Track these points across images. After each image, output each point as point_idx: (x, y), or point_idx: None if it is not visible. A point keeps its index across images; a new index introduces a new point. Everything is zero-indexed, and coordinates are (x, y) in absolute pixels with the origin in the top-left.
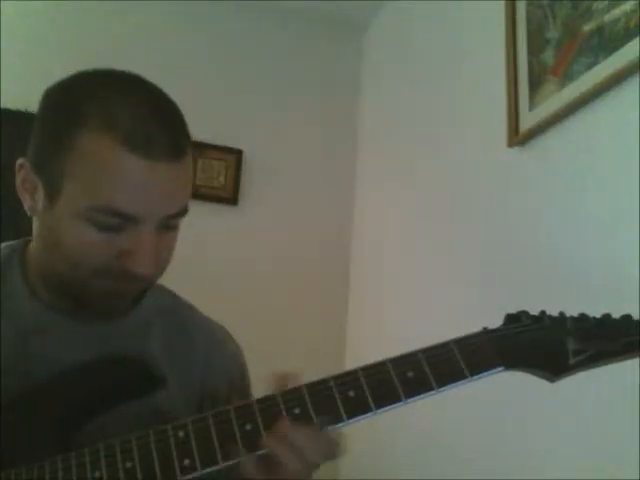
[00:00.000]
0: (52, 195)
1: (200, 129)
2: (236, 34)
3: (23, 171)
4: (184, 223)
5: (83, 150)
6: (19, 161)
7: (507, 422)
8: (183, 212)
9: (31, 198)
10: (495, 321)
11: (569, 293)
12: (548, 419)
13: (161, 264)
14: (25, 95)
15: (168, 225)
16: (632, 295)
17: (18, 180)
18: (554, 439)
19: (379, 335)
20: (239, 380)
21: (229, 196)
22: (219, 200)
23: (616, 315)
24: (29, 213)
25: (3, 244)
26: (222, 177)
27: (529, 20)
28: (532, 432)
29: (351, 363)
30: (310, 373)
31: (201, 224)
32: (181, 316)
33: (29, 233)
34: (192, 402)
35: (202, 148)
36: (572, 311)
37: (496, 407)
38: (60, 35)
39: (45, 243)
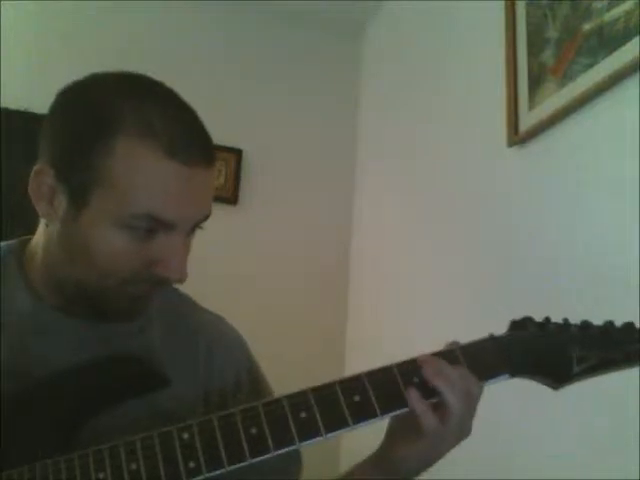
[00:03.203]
0: (79, 202)
1: None
2: (236, 35)
3: (41, 177)
4: None
5: (120, 156)
6: (37, 167)
7: (505, 422)
8: (209, 216)
9: (49, 205)
10: (494, 320)
11: (569, 292)
12: (547, 418)
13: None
14: (25, 95)
15: (194, 229)
16: (632, 294)
17: (34, 186)
18: (553, 439)
19: (379, 335)
20: (246, 369)
21: (229, 196)
22: (219, 200)
23: (616, 313)
24: (45, 220)
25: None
26: (222, 177)
27: (529, 20)
28: (531, 431)
29: (351, 363)
30: (310, 373)
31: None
32: (181, 311)
33: (28, 231)
34: (197, 398)
35: None
36: (572, 309)
37: (495, 409)
38: (60, 35)
39: (67, 251)
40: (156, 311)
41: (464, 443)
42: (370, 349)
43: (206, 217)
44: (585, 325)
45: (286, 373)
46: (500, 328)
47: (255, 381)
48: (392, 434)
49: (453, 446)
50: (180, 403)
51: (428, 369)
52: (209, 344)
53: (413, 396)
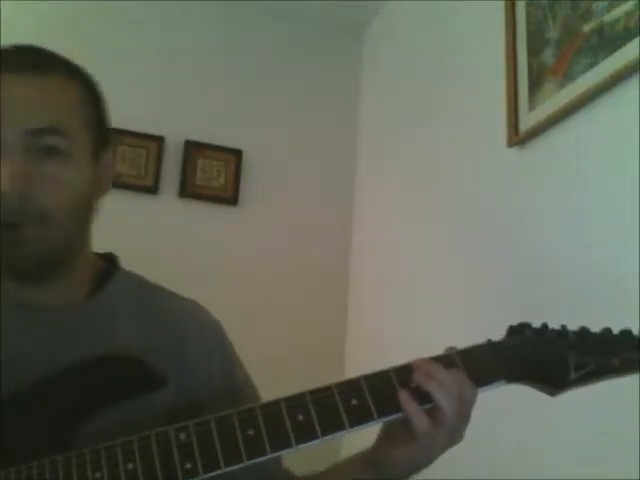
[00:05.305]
0: None
1: (200, 129)
2: (236, 34)
3: None
4: (185, 224)
5: None
6: None
7: (501, 423)
8: (55, 131)
9: None
10: (493, 319)
11: (568, 292)
12: (544, 417)
13: (39, 194)
14: None
15: (40, 147)
16: (632, 294)
17: None
18: (553, 438)
19: (379, 336)
20: (219, 353)
21: (229, 196)
22: (219, 200)
23: (616, 314)
24: None
25: None
26: (222, 177)
27: (529, 20)
28: (530, 432)
29: (351, 365)
30: (310, 373)
31: (201, 224)
32: (151, 300)
33: None
34: (171, 389)
35: (201, 148)
36: (571, 309)
37: (492, 414)
38: (60, 35)
39: None
40: (122, 300)
41: (457, 447)
42: (370, 349)
43: (47, 129)
44: (583, 332)
45: (286, 373)
46: (498, 327)
47: (229, 364)
48: (384, 434)
49: (444, 451)
50: (161, 396)
51: (419, 373)
52: (180, 331)
53: (404, 397)
